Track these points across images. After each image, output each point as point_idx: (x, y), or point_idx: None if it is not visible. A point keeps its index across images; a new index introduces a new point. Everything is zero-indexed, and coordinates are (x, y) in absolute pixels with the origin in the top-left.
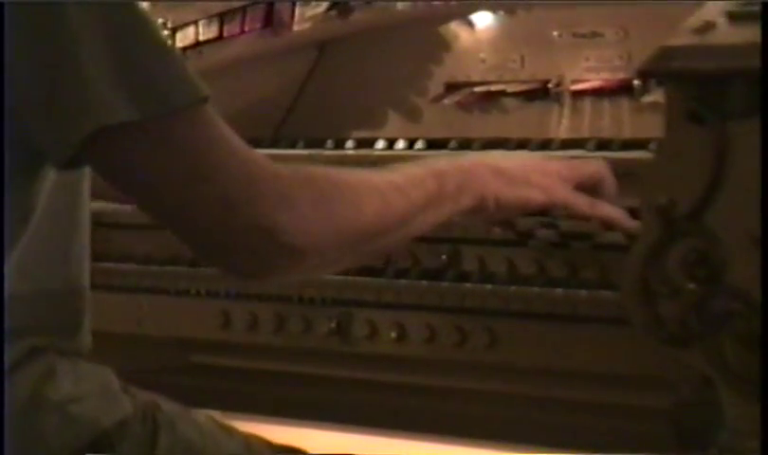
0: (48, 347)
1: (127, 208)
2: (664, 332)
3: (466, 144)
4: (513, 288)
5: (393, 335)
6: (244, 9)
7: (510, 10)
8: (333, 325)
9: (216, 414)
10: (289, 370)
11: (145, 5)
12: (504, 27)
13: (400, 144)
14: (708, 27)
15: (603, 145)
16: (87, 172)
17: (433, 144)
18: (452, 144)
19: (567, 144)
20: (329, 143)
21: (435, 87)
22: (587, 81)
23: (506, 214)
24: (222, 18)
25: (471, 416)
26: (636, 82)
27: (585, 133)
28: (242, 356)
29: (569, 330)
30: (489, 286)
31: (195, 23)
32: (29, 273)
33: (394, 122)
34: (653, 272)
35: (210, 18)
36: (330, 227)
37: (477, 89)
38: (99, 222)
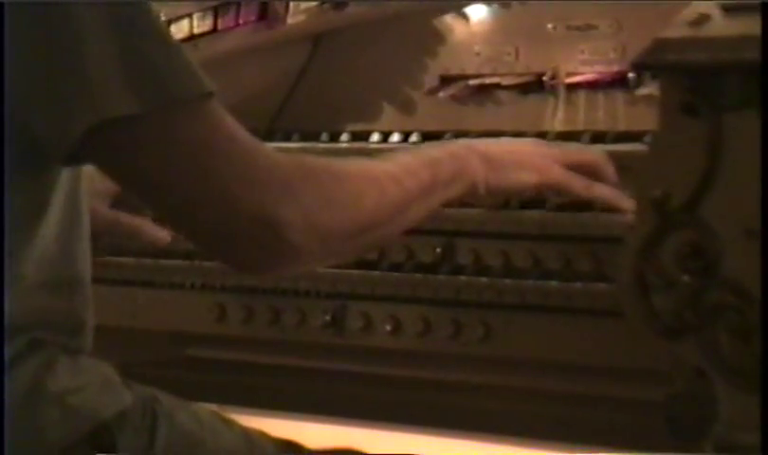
0: (50, 341)
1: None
2: (658, 324)
3: (460, 137)
4: (508, 281)
5: (388, 327)
6: (238, 2)
7: (505, 3)
8: (328, 318)
9: (212, 407)
10: (284, 363)
11: None
12: (499, 20)
13: (395, 137)
14: (703, 19)
15: (598, 138)
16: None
17: (428, 137)
18: (447, 137)
19: (562, 137)
20: (324, 136)
21: (430, 80)
22: (582, 73)
23: (498, 198)
24: (216, 11)
25: (466, 409)
26: (631, 75)
27: (580, 125)
28: (237, 349)
29: (564, 322)
30: (484, 279)
31: (190, 16)
32: (42, 266)
33: (389, 115)
34: (648, 264)
35: (204, 11)
36: (331, 218)
37: (472, 82)
38: None
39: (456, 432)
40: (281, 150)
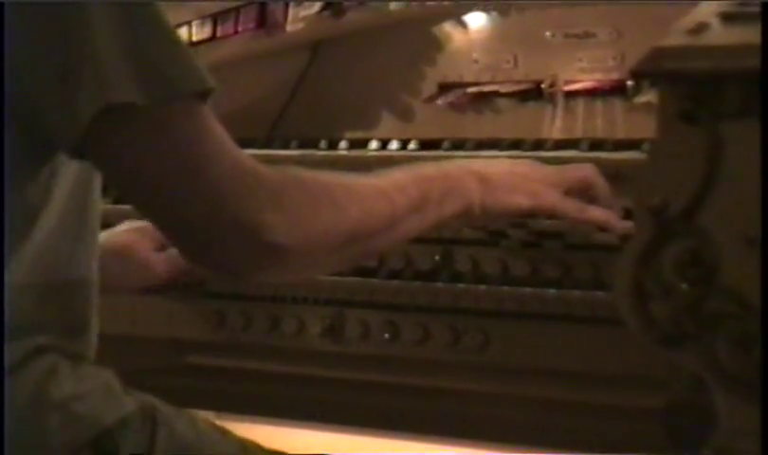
0: (52, 347)
1: (122, 208)
2: (657, 332)
3: (459, 145)
4: (506, 289)
5: (387, 335)
6: (237, 10)
7: (503, 11)
8: (326, 325)
9: (210, 415)
10: (283, 370)
11: None
12: (497, 28)
13: (393, 145)
14: (701, 27)
15: (596, 145)
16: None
17: (426, 145)
18: (445, 145)
19: (560, 145)
20: (322, 143)
21: (428, 88)
22: (580, 81)
23: (492, 220)
24: (215, 18)
25: (464, 416)
26: (629, 83)
27: (578, 133)
28: (236, 357)
29: (562, 330)
30: (482, 287)
31: (189, 23)
32: (39, 267)
33: (388, 123)
34: (646, 272)
35: (203, 18)
36: (315, 229)
37: (470, 90)
38: None
39: (454, 440)
40: (279, 157)
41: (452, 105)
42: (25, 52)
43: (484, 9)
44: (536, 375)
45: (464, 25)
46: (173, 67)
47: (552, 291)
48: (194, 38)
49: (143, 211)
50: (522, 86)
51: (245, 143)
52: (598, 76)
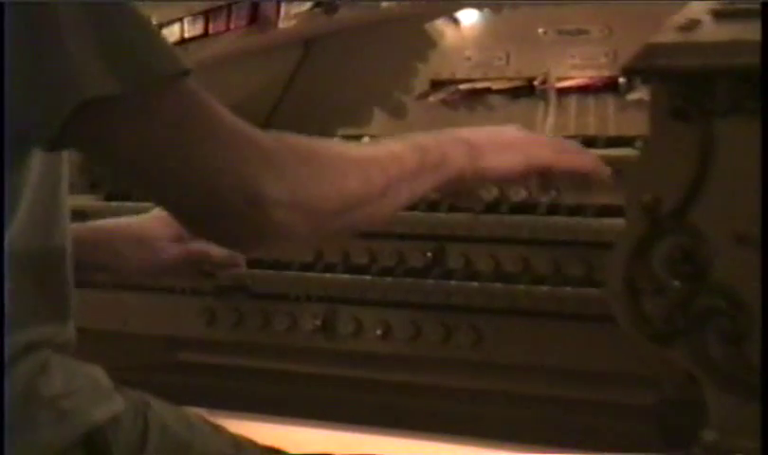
0: (43, 342)
1: (111, 204)
2: (648, 329)
3: None
4: (498, 285)
5: (378, 332)
6: (229, 7)
7: (496, 8)
8: (318, 322)
9: (203, 412)
10: (275, 367)
11: None
12: (490, 25)
13: None
14: (693, 24)
15: (588, 142)
16: (65, 156)
17: None
18: None
19: None
20: None
21: (421, 85)
22: (572, 78)
23: (487, 182)
24: (207, 15)
25: (456, 413)
26: (621, 80)
27: (570, 130)
28: (228, 354)
29: (554, 327)
30: (474, 284)
31: (181, 20)
32: (16, 252)
33: (380, 120)
34: (638, 269)
35: (195, 15)
36: (316, 195)
37: (462, 86)
38: (84, 218)
39: (446, 437)
40: None
41: (445, 102)
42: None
43: (477, 6)
44: (528, 372)
45: (456, 22)
46: (144, 53)
47: (544, 288)
48: (186, 35)
49: (144, 194)
50: (515, 83)
51: None
52: (591, 73)
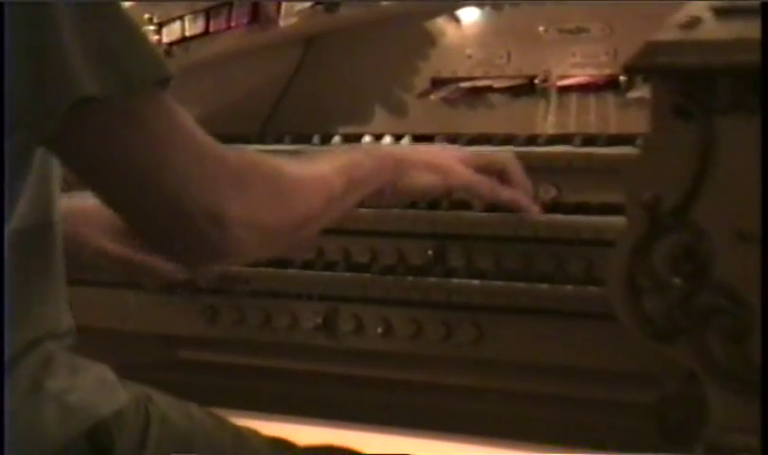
0: (45, 336)
1: None
2: (649, 327)
3: (452, 140)
4: (499, 283)
5: (380, 330)
6: (230, 5)
7: (496, 6)
8: (319, 321)
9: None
10: (276, 365)
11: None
12: (491, 23)
13: (387, 140)
14: (694, 22)
15: (589, 141)
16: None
17: (420, 139)
18: (438, 139)
19: (553, 140)
20: (316, 138)
21: (422, 83)
22: (573, 76)
23: (405, 198)
24: (208, 13)
25: (457, 411)
26: (622, 78)
27: (571, 128)
28: (228, 352)
29: (555, 325)
30: (476, 282)
31: (182, 18)
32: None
33: (381, 118)
34: (639, 267)
35: (196, 13)
36: (272, 216)
37: (463, 85)
38: None
39: (448, 435)
40: (272, 152)
41: (445, 100)
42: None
43: (478, 4)
44: (529, 370)
45: (457, 20)
46: (129, 58)
47: (545, 286)
48: (187, 33)
49: (108, 201)
50: (516, 81)
51: (237, 138)
52: (591, 71)
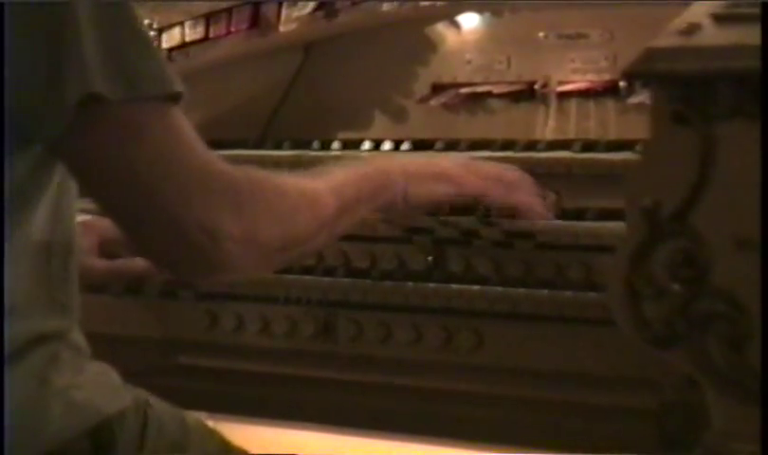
0: (54, 335)
1: None
2: (649, 333)
3: (452, 145)
4: (499, 289)
5: (379, 336)
6: (230, 10)
7: (496, 12)
8: (319, 326)
9: (202, 415)
10: (275, 371)
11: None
12: (491, 29)
13: (386, 145)
14: (694, 28)
15: (589, 146)
16: None
17: (419, 145)
18: (438, 145)
19: (553, 145)
20: (315, 144)
21: (421, 88)
22: (573, 82)
23: (417, 209)
24: (208, 19)
25: (457, 417)
26: (622, 84)
27: (571, 134)
28: (228, 357)
29: (555, 331)
30: (475, 287)
31: (182, 24)
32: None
33: (381, 123)
34: (639, 273)
35: (196, 19)
36: (269, 234)
37: (463, 90)
38: None
39: (447, 441)
40: (272, 157)
41: (445, 106)
42: (13, 51)
43: (478, 10)
44: (528, 376)
45: (457, 25)
46: (142, 69)
47: (544, 292)
48: (187, 38)
49: (107, 208)
50: (515, 87)
51: (237, 143)
52: (591, 77)
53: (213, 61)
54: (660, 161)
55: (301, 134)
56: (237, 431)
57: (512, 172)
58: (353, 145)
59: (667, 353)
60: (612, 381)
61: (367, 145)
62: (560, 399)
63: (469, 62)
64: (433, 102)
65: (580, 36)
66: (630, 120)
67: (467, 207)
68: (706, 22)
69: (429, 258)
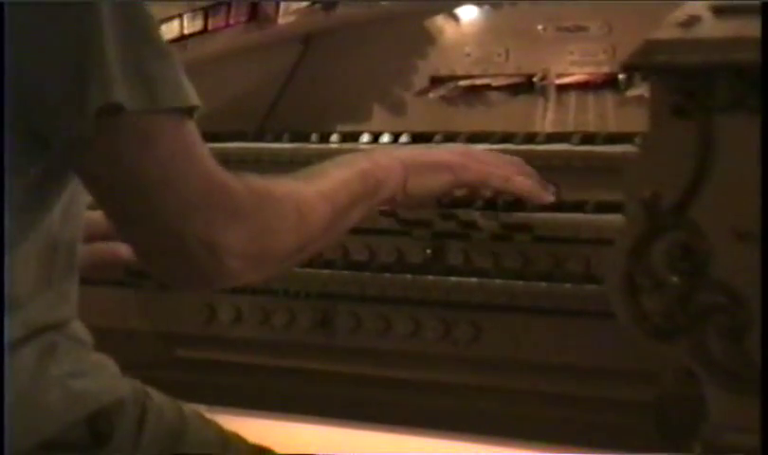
0: (51, 325)
1: None
2: (648, 325)
3: (450, 138)
4: (497, 282)
5: (378, 328)
6: (229, 3)
7: (495, 4)
8: (317, 319)
9: (201, 408)
10: (274, 363)
11: None
12: (489, 21)
13: (385, 138)
14: (693, 20)
15: (588, 139)
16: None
17: (418, 138)
18: (437, 138)
19: (552, 138)
20: (314, 137)
21: (420, 81)
22: (572, 74)
23: (418, 200)
24: (207, 11)
25: (456, 409)
26: (621, 76)
27: (570, 126)
28: (227, 350)
29: (553, 324)
30: (474, 280)
31: (180, 16)
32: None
33: (380, 116)
34: (637, 266)
35: (195, 11)
36: (270, 245)
37: (462, 83)
38: None
39: (446, 433)
40: (271, 150)
41: (444, 98)
42: (36, 54)
43: (476, 3)
44: (527, 368)
45: (456, 18)
46: (163, 82)
47: (543, 284)
48: (186, 31)
49: (110, 213)
50: (514, 80)
51: (236, 136)
52: (590, 69)
53: (212, 53)
54: (659, 154)
55: (299, 126)
56: (235, 424)
57: (509, 158)
58: (351, 138)
59: (665, 345)
60: (610, 373)
61: (366, 138)
62: (558, 391)
63: (468, 54)
64: (432, 95)
65: (579, 28)
66: (629, 113)
67: (468, 196)
68: (706, 14)
69: (428, 250)
